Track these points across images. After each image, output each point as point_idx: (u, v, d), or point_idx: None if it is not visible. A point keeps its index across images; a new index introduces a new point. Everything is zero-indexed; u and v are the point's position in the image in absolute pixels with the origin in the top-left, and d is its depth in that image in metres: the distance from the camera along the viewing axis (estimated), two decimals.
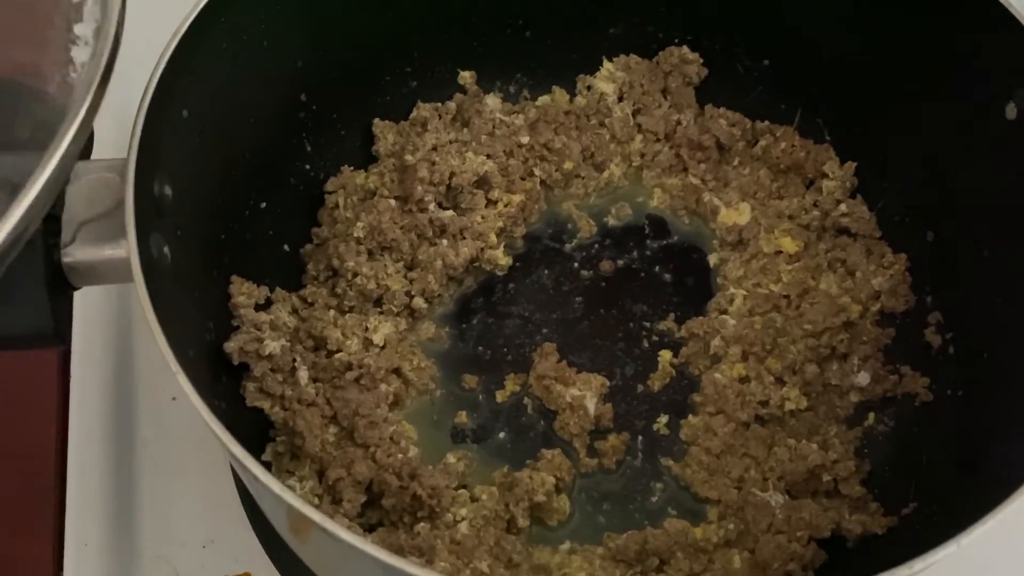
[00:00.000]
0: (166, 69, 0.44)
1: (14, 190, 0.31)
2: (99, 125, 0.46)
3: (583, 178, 0.61)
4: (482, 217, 0.58)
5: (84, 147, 0.44)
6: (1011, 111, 0.49)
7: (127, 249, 0.39)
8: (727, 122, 0.61)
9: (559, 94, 0.62)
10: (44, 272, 0.39)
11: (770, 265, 0.58)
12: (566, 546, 0.50)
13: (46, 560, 0.51)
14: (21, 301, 0.39)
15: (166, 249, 0.42)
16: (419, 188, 0.56)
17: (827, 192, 0.59)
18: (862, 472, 0.52)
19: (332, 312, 0.54)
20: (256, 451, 0.49)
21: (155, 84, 0.43)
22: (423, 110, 0.60)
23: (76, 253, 0.40)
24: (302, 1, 0.53)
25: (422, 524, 0.47)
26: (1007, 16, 0.48)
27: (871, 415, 0.54)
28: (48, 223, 0.39)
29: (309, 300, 0.55)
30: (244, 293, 0.51)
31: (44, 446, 0.54)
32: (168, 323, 0.39)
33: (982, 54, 0.50)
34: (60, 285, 0.40)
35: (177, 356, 0.37)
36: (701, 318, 0.57)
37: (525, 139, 0.60)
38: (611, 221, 0.61)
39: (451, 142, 0.59)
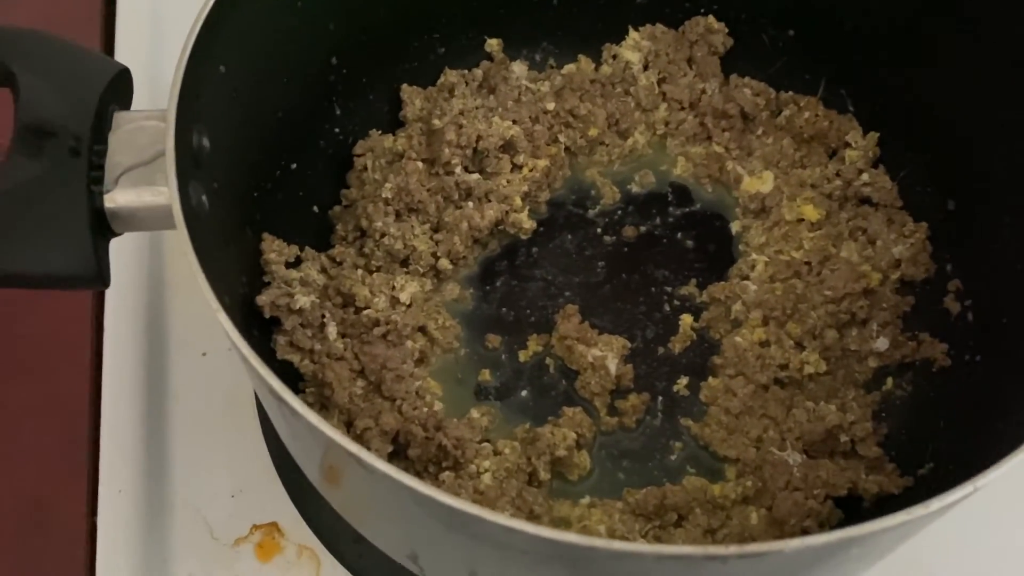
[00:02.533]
0: (204, 25, 0.45)
1: None
2: (138, 81, 0.48)
3: (607, 145, 0.62)
4: (507, 181, 0.59)
5: (124, 99, 0.45)
6: None
7: (167, 196, 0.40)
8: (751, 92, 0.61)
9: (585, 63, 0.63)
10: (88, 216, 0.40)
11: (792, 232, 0.58)
12: (586, 500, 0.51)
13: (81, 504, 0.53)
14: (66, 243, 0.40)
15: (204, 198, 0.44)
16: (446, 151, 0.57)
17: (850, 162, 0.60)
18: (879, 434, 0.52)
19: (360, 271, 0.55)
20: None
21: (194, 38, 0.44)
22: (450, 76, 0.61)
23: (118, 199, 0.41)
24: None
25: (446, 473, 0.49)
26: None
27: (889, 380, 0.54)
28: (92, 169, 0.41)
29: (338, 259, 0.56)
30: (275, 250, 0.52)
31: (79, 393, 0.56)
32: (207, 268, 0.40)
33: (1004, 23, 0.50)
34: (102, 229, 0.41)
35: (217, 297, 0.38)
36: (722, 283, 0.57)
37: (551, 106, 0.60)
38: (634, 188, 0.61)
39: (477, 108, 0.60)
